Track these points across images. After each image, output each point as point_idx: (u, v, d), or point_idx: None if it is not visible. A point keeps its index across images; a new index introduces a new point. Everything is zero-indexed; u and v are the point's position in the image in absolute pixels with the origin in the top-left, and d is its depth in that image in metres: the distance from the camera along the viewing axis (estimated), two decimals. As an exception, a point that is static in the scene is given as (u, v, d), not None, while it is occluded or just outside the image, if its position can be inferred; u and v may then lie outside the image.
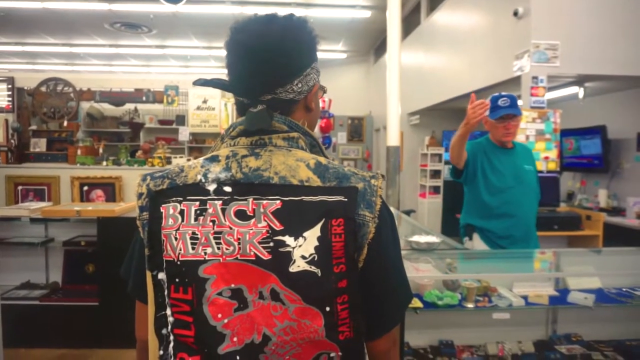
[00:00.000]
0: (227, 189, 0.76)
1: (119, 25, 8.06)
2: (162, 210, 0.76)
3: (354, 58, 10.96)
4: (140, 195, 0.80)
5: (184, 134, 6.60)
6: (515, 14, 4.28)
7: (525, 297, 1.95)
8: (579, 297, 1.95)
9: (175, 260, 0.74)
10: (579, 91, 4.96)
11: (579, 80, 4.70)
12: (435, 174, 7.70)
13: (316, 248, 0.71)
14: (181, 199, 0.76)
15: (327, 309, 0.72)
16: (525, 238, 2.40)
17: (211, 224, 0.73)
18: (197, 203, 0.75)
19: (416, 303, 1.80)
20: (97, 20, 7.76)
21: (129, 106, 8.27)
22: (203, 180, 0.77)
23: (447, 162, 7.70)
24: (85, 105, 8.05)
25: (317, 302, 0.72)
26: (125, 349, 3.15)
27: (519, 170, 2.42)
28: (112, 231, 3.23)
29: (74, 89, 5.84)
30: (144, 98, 6.41)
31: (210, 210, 0.74)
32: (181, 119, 8.37)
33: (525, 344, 2.02)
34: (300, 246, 0.71)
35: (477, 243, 2.50)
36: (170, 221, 0.75)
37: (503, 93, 2.44)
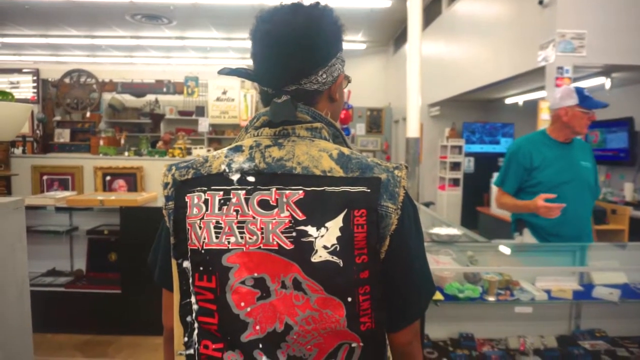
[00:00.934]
0: (251, 178, 0.76)
1: (139, 17, 8.14)
2: (187, 199, 0.77)
3: (373, 49, 10.86)
4: (166, 185, 0.82)
5: (203, 125, 6.65)
6: (541, 2, 4.18)
7: (548, 292, 1.92)
8: (604, 292, 1.91)
9: (200, 249, 0.75)
10: (606, 82, 4.82)
11: (606, 71, 4.57)
12: (455, 166, 7.61)
13: (338, 238, 0.71)
14: (205, 188, 0.77)
15: (349, 299, 0.72)
16: (577, 236, 2.32)
17: (235, 213, 0.74)
18: (221, 193, 0.76)
19: (437, 295, 1.79)
20: (118, 11, 7.84)
21: (150, 97, 8.37)
22: (227, 170, 0.77)
23: (467, 155, 7.61)
24: (107, 97, 8.17)
25: (338, 293, 0.72)
26: (147, 335, 3.21)
27: (575, 165, 2.35)
28: (134, 220, 3.28)
29: (97, 80, 5.93)
30: (164, 89, 6.47)
31: (233, 200, 0.75)
32: (201, 110, 8.44)
33: (547, 338, 2.00)
34: (322, 236, 0.71)
35: (527, 238, 2.43)
36: (195, 210, 0.76)
37: (577, 85, 2.38)
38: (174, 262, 0.80)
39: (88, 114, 6.10)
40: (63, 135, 5.84)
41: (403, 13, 5.40)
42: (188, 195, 0.77)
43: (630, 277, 2.11)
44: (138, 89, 6.65)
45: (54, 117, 6.10)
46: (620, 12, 4.01)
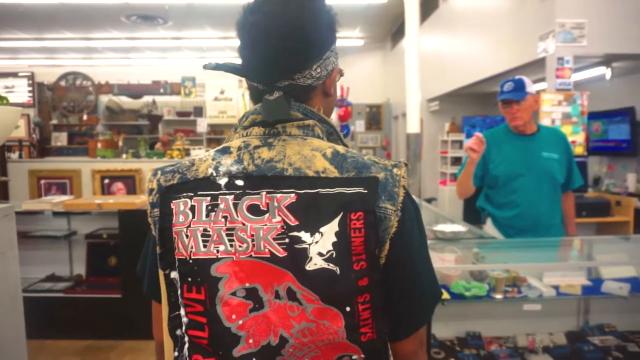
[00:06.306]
0: (239, 182, 0.71)
1: (134, 18, 8.06)
2: (172, 206, 0.72)
3: (370, 45, 10.78)
4: (151, 191, 0.77)
5: (202, 125, 6.61)
6: (540, -8, 4.12)
7: (556, 287, 1.87)
8: (614, 286, 1.87)
9: (187, 258, 0.70)
10: (606, 72, 4.77)
11: (606, 61, 4.51)
12: (456, 161, 7.55)
13: (334, 244, 0.67)
14: (192, 194, 0.72)
15: (348, 309, 0.68)
16: (534, 229, 2.30)
17: (223, 220, 0.69)
18: (209, 198, 0.71)
19: (443, 294, 1.74)
20: (113, 13, 7.77)
21: (147, 99, 8.34)
22: (214, 174, 0.73)
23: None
24: (104, 99, 8.14)
25: (336, 302, 0.68)
26: (149, 340, 3.16)
27: (533, 157, 2.32)
28: (133, 224, 3.24)
29: (92, 82, 5.88)
30: (161, 90, 6.43)
31: (222, 206, 0.70)
32: (199, 111, 8.41)
33: (556, 335, 1.95)
34: (316, 242, 0.67)
35: (489, 228, 2.46)
36: (181, 218, 0.71)
37: (516, 77, 2.36)
38: (161, 273, 0.75)
39: (85, 117, 6.06)
40: (60, 139, 5.80)
41: (400, 8, 5.35)
42: (174, 201, 0.73)
43: (639, 270, 2.07)
44: (135, 90, 6.60)
45: (50, 120, 6.06)
46: (620, 0, 3.95)
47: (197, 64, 11.50)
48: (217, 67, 0.76)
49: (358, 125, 10.27)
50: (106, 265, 3.59)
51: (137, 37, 9.56)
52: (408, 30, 4.40)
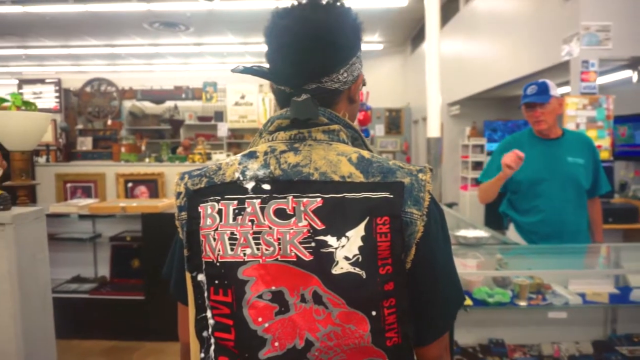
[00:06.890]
0: (266, 186, 0.72)
1: (157, 25, 8.22)
2: (200, 209, 0.74)
3: (390, 49, 10.76)
4: (178, 194, 0.78)
5: (222, 130, 6.68)
6: (563, -5, 4.05)
7: (582, 295, 1.83)
8: (643, 295, 1.82)
9: (215, 261, 0.71)
10: (633, 75, 4.65)
11: (633, 63, 4.41)
12: (477, 165, 7.47)
13: (360, 248, 0.67)
14: (219, 198, 0.73)
15: (373, 313, 0.68)
16: (558, 235, 2.24)
17: (250, 223, 0.70)
18: (236, 202, 0.72)
19: (466, 300, 1.73)
20: (136, 20, 7.93)
21: (169, 104, 8.48)
22: (241, 178, 0.74)
23: (489, 153, 7.45)
24: (127, 105, 8.31)
25: (362, 306, 0.68)
26: (171, 341, 3.21)
27: (557, 162, 2.27)
28: (156, 227, 3.28)
29: (117, 88, 6.01)
30: (183, 95, 6.52)
31: (248, 210, 0.71)
32: (219, 115, 8.51)
33: (583, 344, 1.91)
34: (343, 246, 0.67)
35: (512, 234, 2.42)
36: (209, 221, 0.72)
37: (539, 80, 2.32)
38: (188, 276, 0.77)
39: (109, 122, 6.20)
40: (85, 143, 5.93)
41: (420, 12, 5.33)
42: (201, 205, 0.74)
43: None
44: (157, 96, 6.72)
45: (76, 125, 6.20)
46: (647, 2, 3.86)
47: (218, 69, 11.65)
48: (245, 70, 0.77)
49: (378, 130, 10.25)
50: (129, 268, 3.65)
51: (159, 44, 9.74)
52: (428, 34, 4.38)
